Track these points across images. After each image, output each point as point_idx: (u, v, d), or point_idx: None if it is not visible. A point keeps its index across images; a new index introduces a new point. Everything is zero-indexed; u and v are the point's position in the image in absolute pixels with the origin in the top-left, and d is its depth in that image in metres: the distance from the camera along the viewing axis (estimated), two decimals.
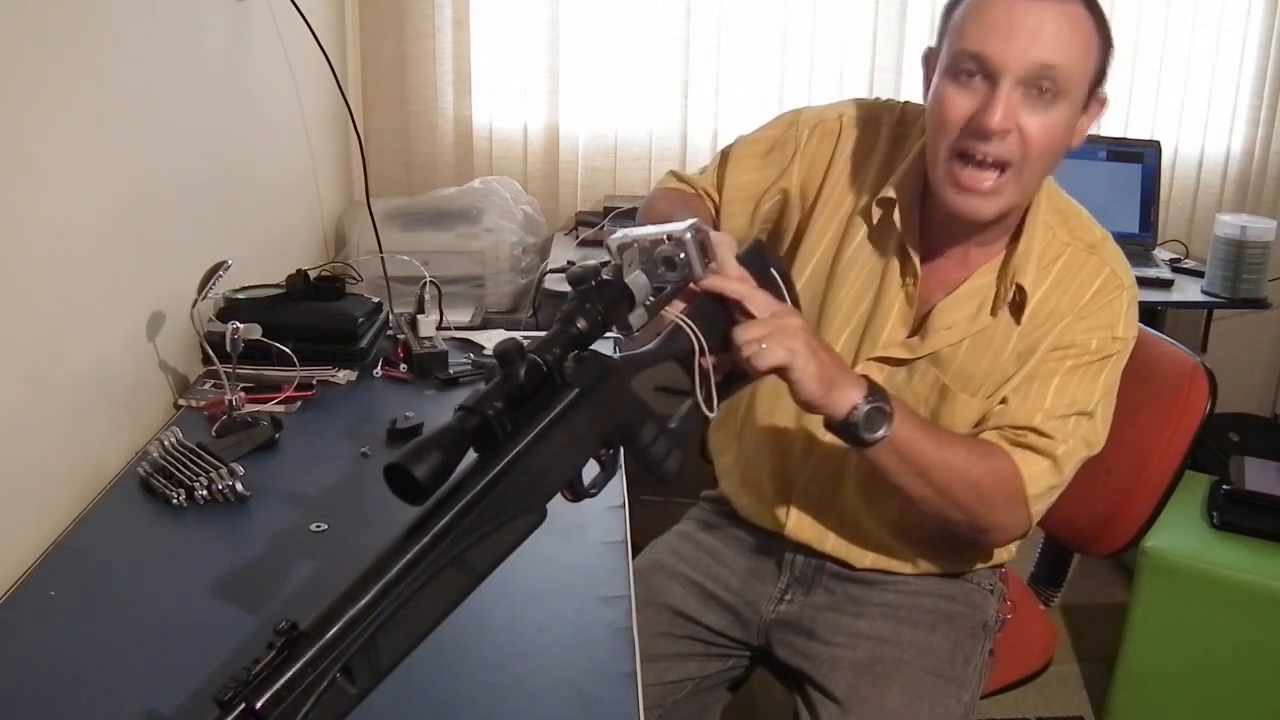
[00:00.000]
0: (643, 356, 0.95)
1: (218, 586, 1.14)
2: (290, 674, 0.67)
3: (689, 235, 0.95)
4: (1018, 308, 1.21)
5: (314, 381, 1.64)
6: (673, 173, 1.43)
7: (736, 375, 1.03)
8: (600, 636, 1.08)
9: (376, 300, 1.84)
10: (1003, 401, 1.21)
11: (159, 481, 1.31)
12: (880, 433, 1.06)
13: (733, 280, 0.98)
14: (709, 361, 0.96)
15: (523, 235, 2.52)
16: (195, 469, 1.31)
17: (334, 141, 2.52)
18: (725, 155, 1.38)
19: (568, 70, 2.72)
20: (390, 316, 1.86)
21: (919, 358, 1.25)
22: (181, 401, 1.58)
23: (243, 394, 1.49)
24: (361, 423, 1.52)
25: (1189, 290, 2.50)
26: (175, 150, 1.61)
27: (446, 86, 2.72)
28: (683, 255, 0.95)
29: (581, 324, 0.87)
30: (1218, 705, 2.05)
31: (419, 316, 1.79)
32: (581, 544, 1.24)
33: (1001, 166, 1.10)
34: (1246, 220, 2.44)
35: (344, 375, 1.69)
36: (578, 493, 0.90)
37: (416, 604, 0.73)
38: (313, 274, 1.79)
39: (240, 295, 1.70)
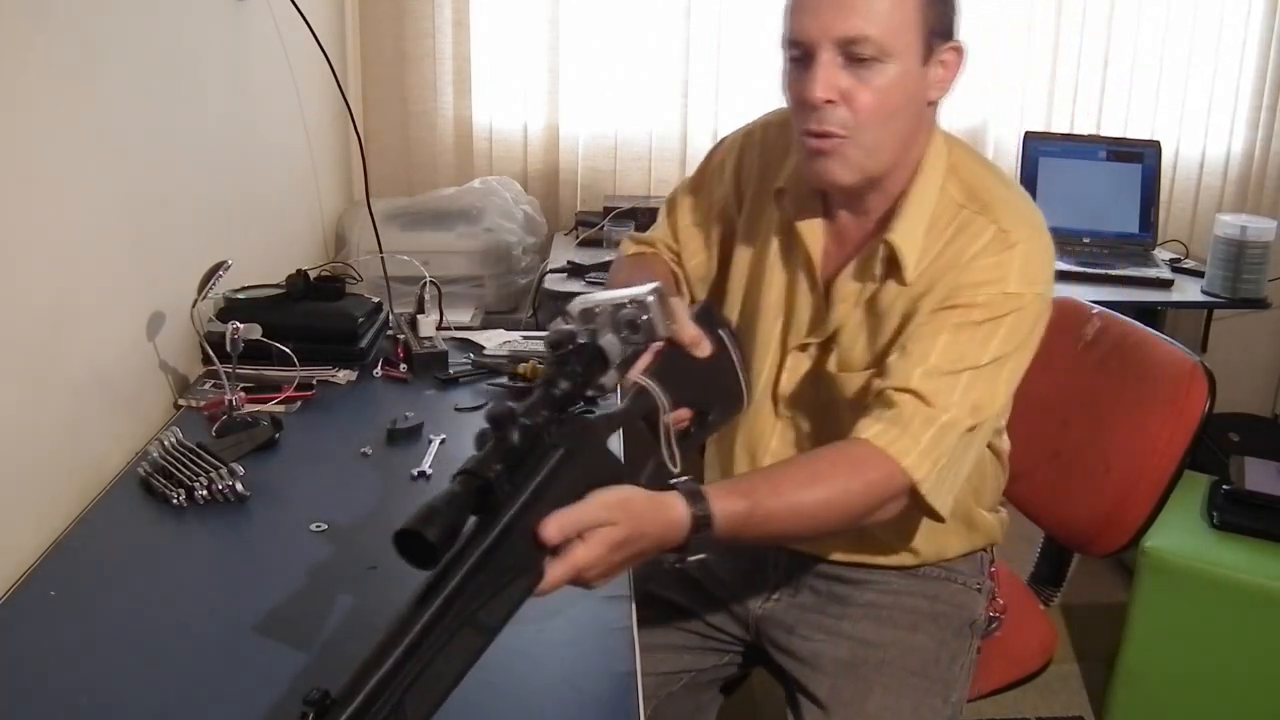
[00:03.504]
0: (613, 417, 0.99)
1: (218, 586, 1.15)
2: None
3: (651, 298, 1.01)
4: (896, 268, 1.20)
5: (314, 381, 1.64)
6: (631, 237, 1.50)
7: (701, 428, 1.10)
8: (600, 636, 1.08)
9: (376, 300, 1.84)
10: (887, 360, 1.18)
11: (159, 481, 1.31)
12: (703, 555, 0.99)
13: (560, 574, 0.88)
14: (670, 419, 1.02)
15: (523, 235, 2.52)
16: (195, 469, 1.31)
17: (334, 141, 2.52)
18: (671, 204, 1.45)
19: (568, 70, 2.72)
20: (390, 316, 1.86)
21: (828, 337, 1.26)
22: (181, 401, 1.58)
23: (243, 394, 1.49)
24: (361, 423, 1.52)
25: (1189, 290, 2.49)
26: (175, 150, 1.61)
27: (446, 86, 2.72)
28: (646, 317, 1.01)
29: (564, 385, 0.92)
30: (1218, 705, 2.04)
31: (419, 316, 1.79)
32: None
33: (837, 135, 1.13)
34: (1246, 220, 2.44)
35: (344, 375, 1.69)
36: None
37: (438, 665, 0.76)
38: (313, 274, 1.79)
39: (240, 295, 1.70)
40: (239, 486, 1.30)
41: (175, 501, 1.28)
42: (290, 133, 2.21)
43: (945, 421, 1.10)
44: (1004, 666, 1.47)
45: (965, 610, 1.37)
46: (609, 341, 0.99)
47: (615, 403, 1.05)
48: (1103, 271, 2.50)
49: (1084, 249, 2.67)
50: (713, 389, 1.13)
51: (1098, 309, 1.64)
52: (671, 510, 0.96)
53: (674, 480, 1.00)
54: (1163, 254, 2.68)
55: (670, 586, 1.43)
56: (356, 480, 1.37)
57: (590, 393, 0.97)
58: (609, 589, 1.14)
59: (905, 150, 1.18)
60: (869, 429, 1.10)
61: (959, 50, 1.16)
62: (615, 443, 1.12)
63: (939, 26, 1.13)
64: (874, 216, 1.23)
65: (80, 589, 1.13)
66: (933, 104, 1.18)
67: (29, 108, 1.20)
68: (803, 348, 1.29)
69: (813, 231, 1.26)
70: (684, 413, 1.07)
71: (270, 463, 1.41)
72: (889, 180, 1.19)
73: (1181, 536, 2.04)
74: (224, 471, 1.31)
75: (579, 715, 0.97)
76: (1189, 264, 2.62)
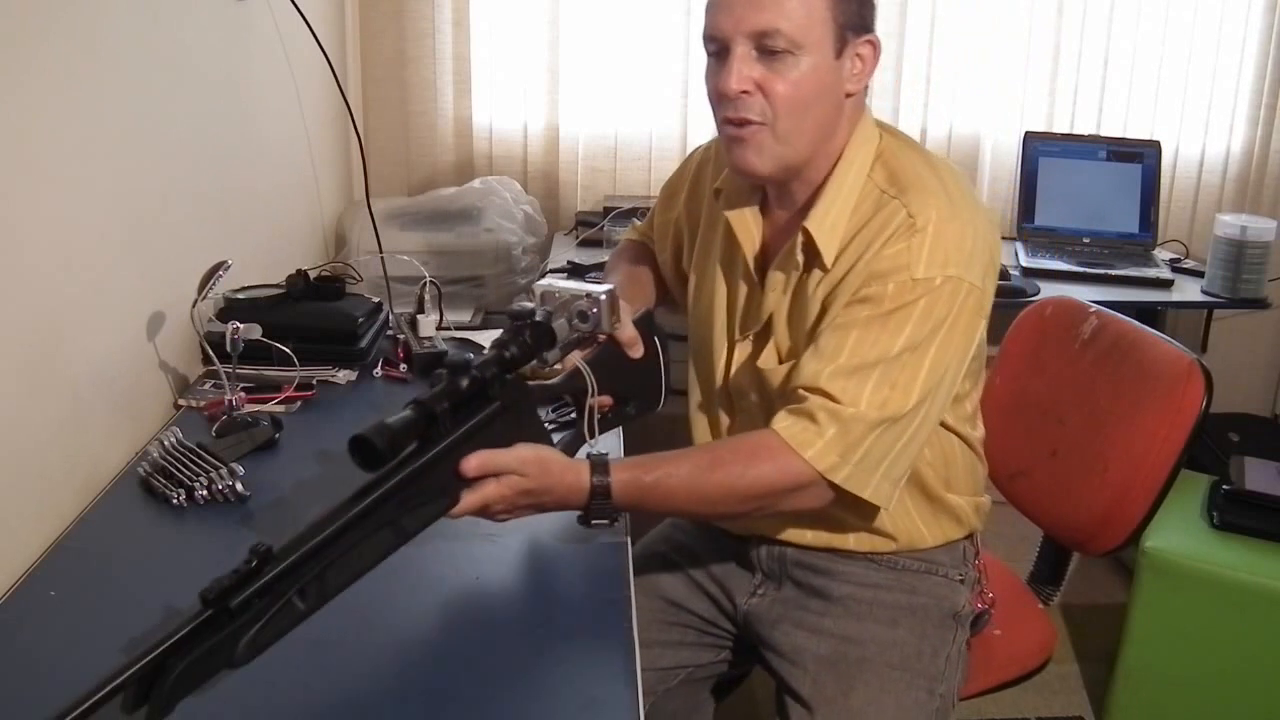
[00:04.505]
0: (547, 389, 1.19)
1: None
2: (260, 585, 0.85)
3: (603, 298, 1.19)
4: (816, 256, 1.21)
5: (314, 381, 1.64)
6: (633, 224, 1.64)
7: (618, 415, 1.27)
8: (600, 636, 1.08)
9: (376, 300, 1.84)
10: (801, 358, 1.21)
11: (159, 481, 1.31)
12: (606, 520, 1.13)
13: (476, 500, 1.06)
14: (595, 402, 1.20)
15: (523, 235, 2.52)
16: (195, 469, 1.31)
17: (334, 141, 2.52)
18: (657, 201, 1.55)
19: (568, 70, 2.72)
20: (390, 316, 1.86)
21: (764, 326, 1.29)
22: (181, 401, 1.58)
23: (243, 394, 1.49)
24: (361, 423, 1.51)
25: (1189, 290, 2.49)
26: (175, 150, 1.61)
27: (446, 86, 2.72)
28: (595, 310, 1.19)
29: (514, 350, 1.10)
30: (1218, 705, 2.04)
31: (419, 316, 1.79)
32: (581, 544, 1.24)
33: (755, 122, 1.17)
34: (1246, 220, 2.44)
35: (344, 375, 1.69)
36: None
37: (359, 550, 0.93)
38: (313, 274, 1.79)
39: (240, 295, 1.70)
40: (239, 486, 1.30)
41: (175, 501, 1.28)
42: (290, 133, 2.21)
43: (850, 415, 1.13)
44: (1003, 664, 1.47)
45: (946, 602, 1.36)
46: (560, 325, 1.16)
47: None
48: (1103, 271, 2.50)
49: (1084, 249, 2.67)
50: (636, 386, 1.28)
51: (1095, 308, 1.64)
52: (578, 476, 1.10)
53: (591, 452, 1.15)
54: (1163, 254, 2.68)
55: (663, 578, 1.44)
56: (356, 480, 1.37)
57: (535, 362, 1.14)
58: (608, 589, 1.16)
59: (824, 141, 1.20)
60: (779, 421, 1.16)
61: (874, 44, 1.20)
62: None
63: (852, 21, 1.16)
64: (799, 206, 1.26)
65: (80, 589, 1.13)
66: (852, 95, 1.20)
67: (29, 108, 1.20)
68: (745, 338, 1.32)
69: (743, 223, 1.30)
70: (607, 400, 1.24)
71: (270, 463, 1.41)
72: (810, 170, 1.22)
73: (1181, 536, 2.04)
74: (224, 471, 1.31)
75: (579, 715, 0.97)
76: (1189, 264, 2.62)
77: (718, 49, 1.17)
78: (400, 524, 0.97)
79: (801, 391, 1.16)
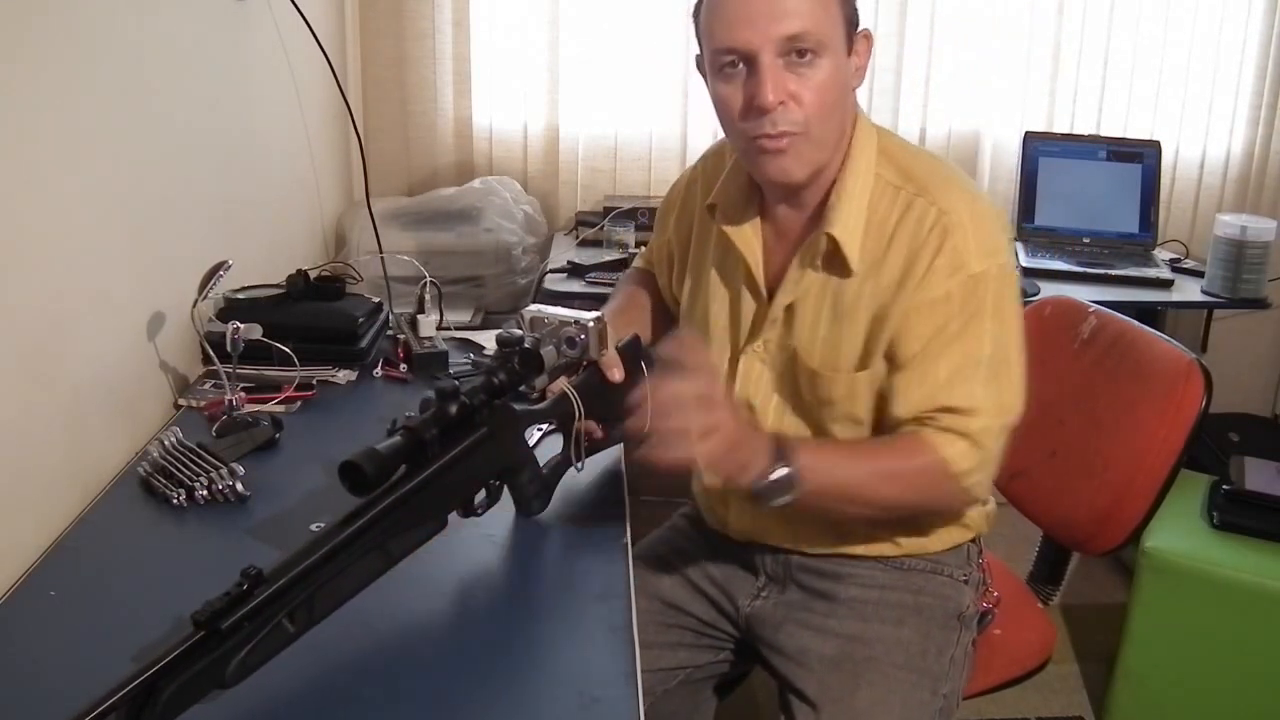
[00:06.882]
0: (534, 414, 1.21)
1: (218, 587, 1.14)
2: (250, 608, 0.86)
3: (591, 325, 1.23)
4: (840, 260, 1.22)
5: (314, 381, 1.64)
6: (640, 253, 1.65)
7: (605, 439, 1.30)
8: (600, 636, 1.08)
9: (376, 300, 1.84)
10: (896, 388, 1.22)
11: (159, 481, 1.31)
12: (786, 498, 1.12)
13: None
14: (581, 426, 1.23)
15: (523, 235, 2.52)
16: (195, 469, 1.31)
17: (334, 141, 2.52)
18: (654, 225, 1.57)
19: (568, 70, 2.72)
20: (390, 316, 1.86)
21: (777, 335, 1.29)
22: (182, 401, 1.58)
23: (243, 394, 1.49)
24: (361, 423, 1.52)
25: (1189, 290, 2.49)
26: (175, 150, 1.61)
27: (446, 86, 2.72)
28: (583, 337, 1.22)
29: (502, 377, 1.13)
30: (1218, 705, 2.04)
31: (419, 316, 1.79)
32: (581, 544, 1.24)
33: (791, 133, 1.17)
34: (1246, 220, 2.44)
35: (344, 375, 1.69)
36: (468, 510, 1.15)
37: (348, 574, 0.95)
38: (313, 274, 1.79)
39: (240, 295, 1.70)
40: (239, 486, 1.30)
41: (175, 501, 1.28)
42: (290, 133, 2.21)
43: (977, 430, 1.17)
44: (1003, 664, 1.47)
45: (951, 602, 1.36)
46: (548, 351, 1.19)
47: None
48: (1103, 271, 2.50)
49: (1084, 249, 2.67)
50: (621, 410, 1.26)
51: (1094, 307, 1.64)
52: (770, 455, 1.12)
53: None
54: (1163, 254, 2.68)
55: (662, 582, 1.44)
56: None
57: (522, 388, 1.17)
58: (609, 589, 1.16)
59: (841, 140, 1.22)
60: (918, 430, 1.19)
61: (868, 37, 1.21)
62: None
63: (853, 16, 1.19)
64: (810, 208, 1.26)
65: (80, 589, 1.13)
66: (852, 91, 1.22)
67: (28, 108, 1.20)
68: (753, 350, 1.31)
69: (744, 235, 1.30)
70: (593, 424, 1.27)
71: (270, 463, 1.41)
72: (824, 170, 1.23)
73: (1181, 536, 2.04)
74: (224, 471, 1.31)
75: (579, 715, 0.97)
76: (1189, 264, 2.62)
77: (737, 61, 1.15)
78: (388, 548, 1.00)
79: (928, 414, 1.18)
